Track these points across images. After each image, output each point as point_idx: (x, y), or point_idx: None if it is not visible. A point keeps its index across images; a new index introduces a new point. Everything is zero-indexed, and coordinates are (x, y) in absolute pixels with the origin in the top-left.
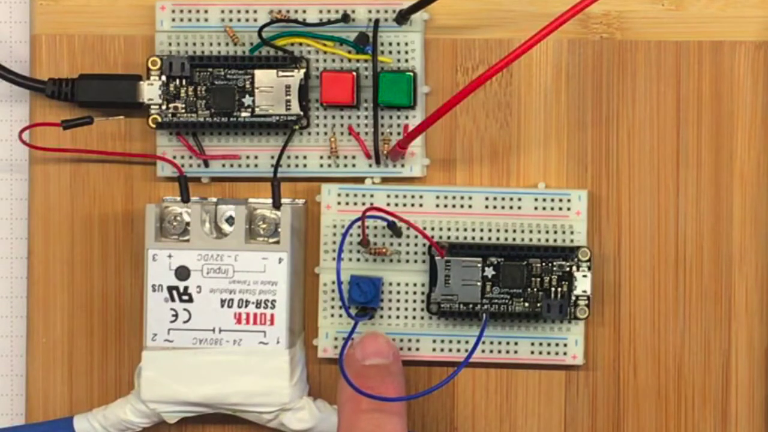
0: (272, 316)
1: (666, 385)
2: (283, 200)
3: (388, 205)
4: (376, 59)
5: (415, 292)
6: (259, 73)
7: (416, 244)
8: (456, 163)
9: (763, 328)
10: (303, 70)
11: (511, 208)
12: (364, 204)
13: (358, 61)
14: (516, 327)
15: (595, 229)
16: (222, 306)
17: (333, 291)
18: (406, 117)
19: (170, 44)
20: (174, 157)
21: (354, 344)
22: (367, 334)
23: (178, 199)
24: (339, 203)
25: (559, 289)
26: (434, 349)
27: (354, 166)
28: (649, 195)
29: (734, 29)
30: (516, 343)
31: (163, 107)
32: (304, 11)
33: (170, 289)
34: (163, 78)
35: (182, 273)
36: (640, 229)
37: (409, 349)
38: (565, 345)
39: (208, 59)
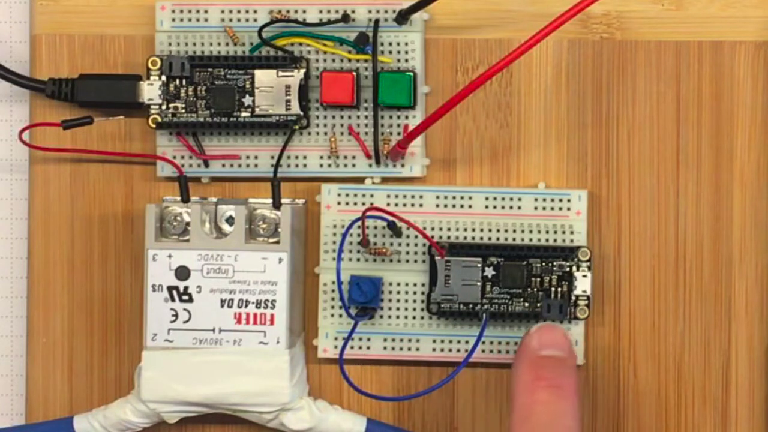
0: (272, 316)
1: (666, 385)
2: (283, 200)
3: (388, 205)
4: (376, 59)
5: (415, 292)
6: (259, 73)
7: (416, 244)
8: (456, 163)
9: (763, 328)
10: (303, 70)
11: (511, 208)
12: (364, 204)
13: (358, 61)
14: (516, 327)
15: (595, 229)
16: (222, 306)
17: (333, 291)
18: (406, 117)
19: (170, 44)
20: (174, 157)
21: (531, 333)
22: (545, 325)
23: (178, 199)
24: (339, 203)
25: (559, 289)
26: (434, 349)
27: (354, 166)
28: (649, 195)
29: (734, 29)
30: (516, 343)
31: (163, 107)
32: (304, 11)
33: (170, 289)
34: (163, 78)
35: (182, 273)
36: (640, 229)
37: (409, 349)
38: None
39: (208, 59)
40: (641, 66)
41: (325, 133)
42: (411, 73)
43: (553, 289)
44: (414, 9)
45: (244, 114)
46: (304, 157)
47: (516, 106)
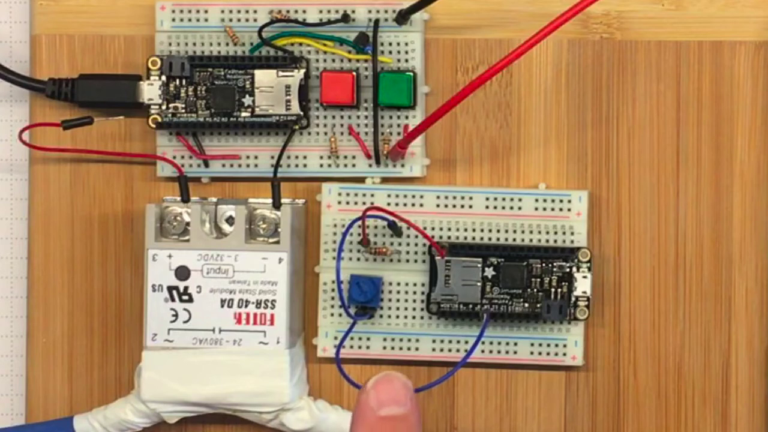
0: (272, 316)
1: (666, 385)
2: (283, 200)
3: (389, 204)
4: (376, 59)
5: (415, 292)
6: (259, 73)
7: (416, 244)
8: (456, 163)
9: (763, 328)
10: (303, 70)
11: (511, 208)
12: (364, 204)
13: (358, 61)
14: (516, 327)
15: (596, 230)
16: (222, 306)
17: (333, 290)
18: (406, 117)
19: (170, 44)
20: (174, 157)
21: (367, 390)
22: (382, 377)
23: (178, 199)
24: (339, 203)
25: (559, 290)
26: (434, 349)
27: (354, 166)
28: (649, 195)
29: (734, 29)
30: (516, 344)
31: (163, 107)
32: (304, 11)
33: (170, 289)
34: (163, 78)
35: (182, 273)
36: (640, 229)
37: (409, 349)
38: (565, 346)
39: (208, 59)
40: (641, 66)
41: (325, 133)
42: (411, 73)
43: (553, 289)
44: (414, 9)
45: (244, 114)
46: (304, 157)
47: (516, 106)
